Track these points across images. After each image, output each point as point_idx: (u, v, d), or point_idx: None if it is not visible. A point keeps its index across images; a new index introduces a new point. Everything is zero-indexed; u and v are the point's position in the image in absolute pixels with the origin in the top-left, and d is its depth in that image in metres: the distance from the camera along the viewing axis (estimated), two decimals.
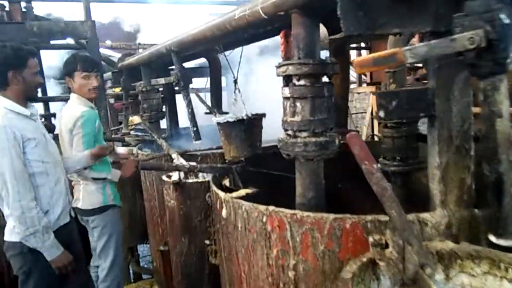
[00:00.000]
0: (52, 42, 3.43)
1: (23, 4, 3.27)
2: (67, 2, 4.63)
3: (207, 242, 2.23)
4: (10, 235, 2.05)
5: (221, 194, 1.59)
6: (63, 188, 2.21)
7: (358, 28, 0.93)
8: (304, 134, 1.28)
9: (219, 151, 2.68)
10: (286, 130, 1.33)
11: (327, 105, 1.28)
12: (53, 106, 4.39)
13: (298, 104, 1.27)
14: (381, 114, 1.04)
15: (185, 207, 2.21)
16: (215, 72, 3.17)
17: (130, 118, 7.19)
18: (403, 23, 0.98)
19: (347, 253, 1.21)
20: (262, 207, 1.36)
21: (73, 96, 2.62)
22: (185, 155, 2.62)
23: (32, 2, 3.36)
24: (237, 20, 1.43)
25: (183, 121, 4.36)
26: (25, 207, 1.95)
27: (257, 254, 1.42)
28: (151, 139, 3.38)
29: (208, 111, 2.82)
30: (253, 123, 2.37)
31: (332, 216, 1.20)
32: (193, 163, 2.37)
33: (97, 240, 2.61)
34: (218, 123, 2.38)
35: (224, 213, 1.57)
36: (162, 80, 2.42)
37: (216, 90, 3.22)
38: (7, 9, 3.17)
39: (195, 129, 2.32)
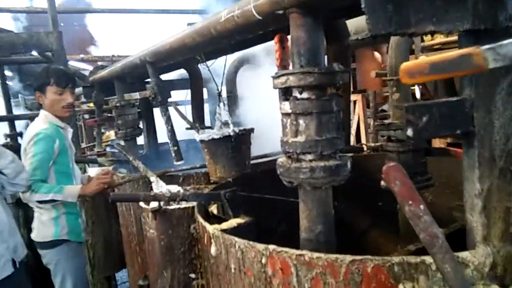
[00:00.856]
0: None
1: None
2: (33, 14, 4.33)
3: (192, 276, 1.98)
4: None
5: (209, 228, 1.35)
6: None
7: (387, 26, 0.72)
8: (310, 157, 1.07)
9: (203, 170, 2.44)
10: (287, 152, 1.10)
11: (335, 121, 1.07)
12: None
13: (301, 121, 1.06)
14: (409, 132, 0.83)
15: (166, 237, 1.95)
16: (196, 84, 2.94)
17: (106, 134, 6.86)
18: (438, 20, 0.78)
19: None
20: (260, 246, 1.13)
21: (41, 113, 2.38)
22: (165, 176, 2.37)
23: None
24: (223, 23, 1.21)
25: (162, 136, 4.12)
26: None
27: None
28: (126, 159, 3.11)
29: (189, 126, 2.57)
30: (241, 139, 2.15)
31: (349, 257, 0.98)
32: (175, 190, 2.11)
33: (53, 279, 2.33)
34: (202, 141, 2.15)
35: (213, 250, 1.33)
36: (136, 95, 2.17)
37: (197, 103, 2.99)
38: None
39: (175, 148, 2.08)
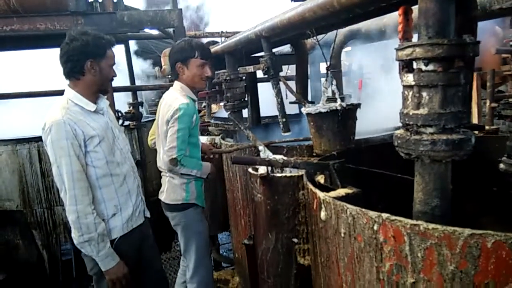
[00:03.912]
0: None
1: None
2: None
3: (295, 240, 2.10)
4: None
5: (320, 194, 1.43)
6: (133, 187, 2.07)
7: None
8: (431, 130, 1.07)
9: (306, 143, 2.52)
10: (407, 125, 1.12)
11: (462, 95, 1.05)
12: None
13: (424, 93, 1.06)
14: None
15: (272, 202, 2.09)
16: (301, 59, 3.00)
17: (214, 107, 7.29)
18: None
19: (486, 278, 0.98)
20: (373, 214, 1.18)
21: (176, 84, 2.52)
22: (270, 146, 2.50)
23: None
24: None
25: (263, 110, 4.28)
26: (81, 212, 1.80)
27: (364, 266, 1.24)
28: (233, 129, 3.32)
29: (293, 100, 2.65)
30: (347, 114, 2.17)
31: (467, 231, 0.98)
32: (286, 158, 2.23)
33: (180, 239, 2.57)
34: (309, 114, 2.22)
35: (323, 215, 1.42)
36: (251, 68, 2.30)
37: (302, 78, 3.05)
38: (100, 0, 3.27)
39: (284, 120, 2.17)
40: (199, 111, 5.20)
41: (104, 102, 2.06)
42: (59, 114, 1.82)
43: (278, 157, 2.31)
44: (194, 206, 2.56)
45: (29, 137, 3.85)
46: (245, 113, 3.69)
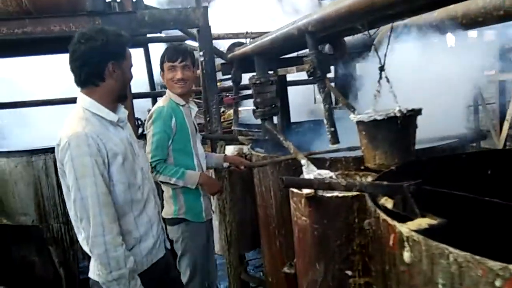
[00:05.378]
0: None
1: None
2: None
3: (349, 273, 1.78)
4: (94, 273, 1.61)
5: (402, 228, 1.11)
6: (153, 214, 1.75)
7: None
8: None
9: (353, 154, 2.19)
10: None
11: None
12: None
13: None
14: None
15: (321, 227, 1.77)
16: (341, 59, 2.68)
17: (228, 113, 7.02)
18: None
19: None
20: (493, 264, 0.85)
21: (167, 91, 2.42)
22: (309, 158, 2.18)
23: None
24: None
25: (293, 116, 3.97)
26: (109, 244, 1.49)
27: None
28: (263, 137, 3.02)
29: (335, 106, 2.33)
30: (408, 121, 1.84)
31: None
32: (327, 175, 1.91)
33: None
34: (360, 122, 1.89)
35: (407, 256, 1.09)
36: (293, 69, 2.01)
37: (342, 82, 2.73)
38: (118, 0, 3.02)
39: (332, 129, 1.86)
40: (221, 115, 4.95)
41: (123, 112, 1.74)
42: (78, 126, 1.53)
43: (323, 172, 2.00)
44: (185, 221, 2.31)
45: (45, 147, 3.62)
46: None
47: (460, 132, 2.56)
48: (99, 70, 1.58)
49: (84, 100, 1.63)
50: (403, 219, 1.33)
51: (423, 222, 1.24)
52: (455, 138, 2.40)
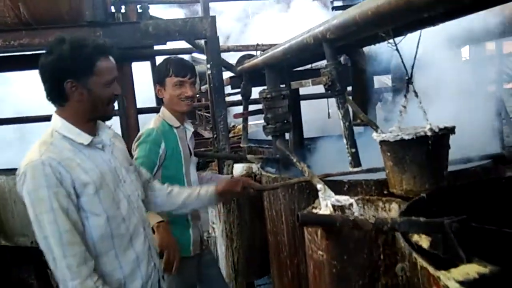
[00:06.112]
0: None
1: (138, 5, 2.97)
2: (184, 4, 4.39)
3: None
4: None
5: (449, 282, 0.87)
6: (142, 250, 1.50)
7: None
8: None
9: (374, 177, 1.95)
10: None
11: None
12: None
13: None
14: None
15: (340, 263, 1.53)
16: (359, 71, 2.46)
17: (238, 127, 6.83)
18: None
19: None
20: None
21: (161, 110, 2.20)
22: (324, 180, 1.95)
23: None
24: None
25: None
26: None
27: None
28: (274, 155, 2.80)
29: (358, 122, 2.11)
30: (440, 141, 1.61)
31: None
32: (346, 202, 1.67)
33: None
34: (385, 142, 1.67)
35: None
36: (308, 82, 1.78)
37: (361, 95, 2.51)
38: (122, 11, 2.88)
39: (353, 150, 1.63)
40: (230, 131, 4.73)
41: (107, 133, 1.53)
42: (36, 153, 1.32)
43: (342, 198, 1.76)
44: None
45: None
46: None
47: (490, 150, 2.32)
48: (59, 89, 1.37)
49: (55, 121, 1.43)
50: (441, 261, 1.10)
51: (470, 270, 0.99)
52: (487, 158, 2.14)
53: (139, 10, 2.89)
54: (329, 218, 1.09)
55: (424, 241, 1.18)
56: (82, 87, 1.37)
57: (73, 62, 1.34)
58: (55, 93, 1.39)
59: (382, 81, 7.26)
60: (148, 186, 1.77)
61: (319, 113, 5.49)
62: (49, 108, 1.49)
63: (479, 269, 1.00)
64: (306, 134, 3.66)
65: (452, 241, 1.05)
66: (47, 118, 1.54)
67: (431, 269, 0.94)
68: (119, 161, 1.53)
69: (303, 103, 3.73)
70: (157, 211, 1.90)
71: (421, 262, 0.99)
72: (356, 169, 1.68)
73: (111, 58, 1.44)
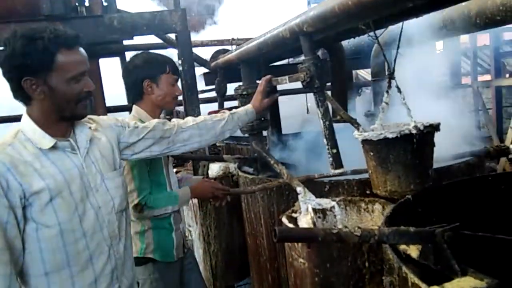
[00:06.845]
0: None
1: None
2: None
3: None
4: None
5: None
6: (103, 272, 1.33)
7: None
8: None
9: (356, 177, 1.87)
10: None
11: None
12: None
13: None
14: None
15: (322, 272, 1.44)
16: (338, 66, 2.37)
17: None
18: None
19: None
20: None
21: (134, 110, 1.99)
22: (305, 182, 1.85)
23: None
24: None
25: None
26: None
27: None
28: (252, 155, 2.69)
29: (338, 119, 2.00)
30: (425, 139, 1.53)
31: None
32: (328, 205, 1.58)
33: None
34: (367, 141, 1.58)
35: None
36: (285, 79, 1.67)
37: (339, 91, 2.41)
38: (86, 4, 2.68)
39: (334, 151, 1.53)
40: None
41: (85, 134, 1.35)
42: None
43: (324, 201, 1.67)
44: (152, 261, 1.93)
45: None
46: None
47: (473, 145, 2.27)
48: (19, 88, 1.22)
49: (23, 121, 1.28)
50: (432, 272, 1.01)
51: (466, 284, 0.91)
52: (470, 154, 2.09)
53: (105, 4, 2.69)
54: (310, 233, 0.98)
55: (412, 250, 1.09)
56: (43, 84, 1.22)
57: (27, 57, 1.19)
58: (18, 92, 1.25)
59: (360, 74, 7.23)
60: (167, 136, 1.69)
61: (298, 107, 5.40)
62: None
63: (475, 283, 0.91)
64: (286, 130, 3.56)
65: (445, 252, 0.96)
66: (17, 119, 1.39)
67: (423, 287, 0.85)
68: (97, 166, 1.36)
69: (281, 98, 3.62)
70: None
71: (411, 277, 0.90)
72: (338, 171, 1.56)
73: (78, 49, 1.27)
